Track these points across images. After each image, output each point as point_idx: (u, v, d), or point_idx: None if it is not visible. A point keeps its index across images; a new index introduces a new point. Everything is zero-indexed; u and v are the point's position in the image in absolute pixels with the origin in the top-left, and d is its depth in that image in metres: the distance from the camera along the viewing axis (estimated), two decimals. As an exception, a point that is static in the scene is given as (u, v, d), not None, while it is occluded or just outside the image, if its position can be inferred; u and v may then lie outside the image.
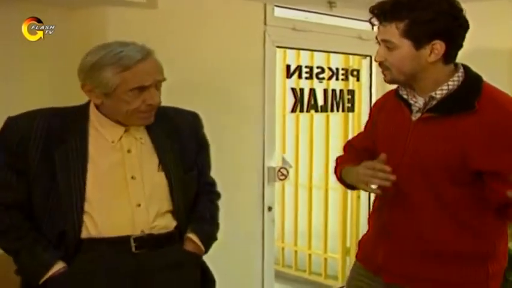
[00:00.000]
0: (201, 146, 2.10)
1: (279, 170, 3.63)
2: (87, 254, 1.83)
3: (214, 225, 2.10)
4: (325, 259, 4.64)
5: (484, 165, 1.79)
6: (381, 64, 1.91)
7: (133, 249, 1.85)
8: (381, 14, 1.85)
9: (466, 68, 1.91)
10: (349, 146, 2.30)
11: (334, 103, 4.07)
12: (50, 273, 1.81)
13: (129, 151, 1.89)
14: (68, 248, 1.83)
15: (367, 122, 2.23)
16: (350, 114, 4.28)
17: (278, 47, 3.59)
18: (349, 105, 4.18)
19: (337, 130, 4.47)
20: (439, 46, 1.81)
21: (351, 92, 4.18)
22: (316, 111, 4.05)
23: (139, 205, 1.87)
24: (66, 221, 1.82)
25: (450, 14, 1.81)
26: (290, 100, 4.19)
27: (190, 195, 2.03)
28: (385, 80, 1.93)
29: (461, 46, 1.87)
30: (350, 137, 4.37)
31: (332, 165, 4.43)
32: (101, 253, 1.84)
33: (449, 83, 1.85)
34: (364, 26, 4.09)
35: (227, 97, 3.22)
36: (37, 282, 1.82)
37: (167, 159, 1.94)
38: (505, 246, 1.97)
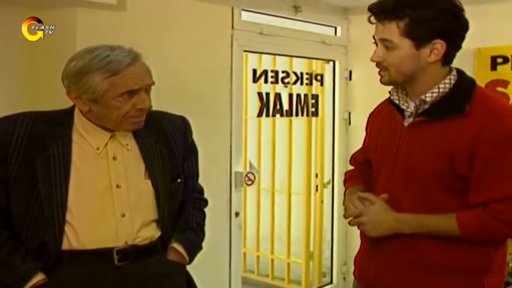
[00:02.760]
0: (190, 152, 2.04)
1: (246, 175, 3.60)
2: (69, 266, 1.76)
3: (200, 234, 2.04)
4: (288, 264, 4.62)
5: (467, 169, 1.73)
6: (378, 64, 1.85)
7: (116, 261, 1.79)
8: (381, 12, 1.78)
9: (460, 72, 1.87)
10: (353, 160, 2.24)
11: (299, 108, 4.08)
12: (30, 284, 1.72)
13: (114, 158, 1.82)
14: (48, 260, 1.75)
15: (366, 134, 2.15)
16: (313, 118, 4.30)
17: (245, 51, 3.57)
18: (313, 109, 4.19)
19: (300, 134, 4.47)
20: (439, 46, 1.76)
21: (315, 97, 4.19)
22: (282, 115, 4.05)
23: (123, 215, 1.80)
24: (46, 232, 1.74)
25: (452, 13, 1.76)
26: (251, 104, 4.19)
27: (176, 204, 1.97)
28: (381, 82, 1.87)
29: (460, 47, 1.82)
30: (313, 141, 4.43)
31: (295, 169, 4.51)
32: (83, 266, 1.76)
33: (440, 85, 1.81)
34: (327, 31, 4.12)
35: (195, 101, 3.15)
36: None
37: (154, 166, 1.87)
38: (502, 259, 1.88)
